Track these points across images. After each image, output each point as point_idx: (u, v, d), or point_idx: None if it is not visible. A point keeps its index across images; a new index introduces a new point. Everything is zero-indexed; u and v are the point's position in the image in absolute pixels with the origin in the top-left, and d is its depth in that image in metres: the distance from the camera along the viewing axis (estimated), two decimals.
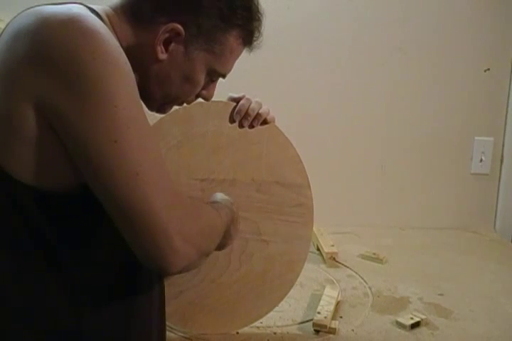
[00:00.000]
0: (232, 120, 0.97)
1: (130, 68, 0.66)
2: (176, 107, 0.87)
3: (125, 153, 0.62)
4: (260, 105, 0.97)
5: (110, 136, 0.61)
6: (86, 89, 0.61)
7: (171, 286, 0.90)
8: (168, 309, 0.89)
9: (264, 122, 0.98)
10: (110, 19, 0.73)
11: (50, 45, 0.61)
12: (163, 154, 0.71)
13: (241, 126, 0.97)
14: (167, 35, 0.74)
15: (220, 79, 0.85)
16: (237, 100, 0.96)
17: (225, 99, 0.98)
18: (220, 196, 0.93)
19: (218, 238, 0.82)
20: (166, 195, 0.65)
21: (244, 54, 0.84)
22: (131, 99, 0.64)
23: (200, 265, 0.75)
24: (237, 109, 0.96)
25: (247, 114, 0.96)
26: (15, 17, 0.68)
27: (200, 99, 0.87)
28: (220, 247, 0.90)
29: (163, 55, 0.75)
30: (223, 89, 0.91)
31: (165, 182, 0.66)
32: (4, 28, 0.68)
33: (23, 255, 0.67)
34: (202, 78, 0.80)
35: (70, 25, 0.62)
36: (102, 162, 0.62)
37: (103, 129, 0.61)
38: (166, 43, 0.75)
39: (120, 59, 0.64)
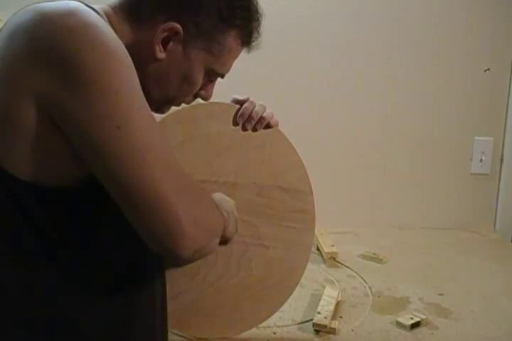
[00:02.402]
0: (235, 123, 0.96)
1: (129, 59, 0.66)
2: (174, 108, 0.87)
3: (129, 138, 0.62)
4: (264, 108, 0.96)
5: (113, 122, 0.62)
6: (86, 78, 0.61)
7: (169, 288, 0.89)
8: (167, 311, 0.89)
9: (268, 126, 0.97)
10: (109, 18, 0.73)
11: (48, 39, 0.61)
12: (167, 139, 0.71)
13: (244, 129, 0.96)
14: (165, 34, 0.74)
15: (222, 80, 0.85)
16: (241, 102, 0.96)
17: (227, 100, 0.97)
18: (218, 196, 0.92)
19: (222, 224, 0.81)
20: (173, 177, 0.65)
21: (245, 54, 0.84)
22: (132, 85, 0.64)
23: (209, 253, 0.74)
24: (240, 111, 0.95)
25: (250, 117, 0.95)
26: (13, 14, 0.68)
27: (200, 100, 0.87)
28: (225, 239, 0.88)
29: (161, 54, 0.75)
30: (224, 91, 0.91)
31: (171, 164, 0.66)
32: (3, 26, 0.68)
33: (23, 254, 0.67)
34: (200, 78, 0.80)
35: (67, 19, 0.62)
36: (107, 148, 0.62)
37: (105, 116, 0.62)
38: (165, 42, 0.75)
39: (119, 50, 0.64)
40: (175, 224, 0.64)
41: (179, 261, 0.82)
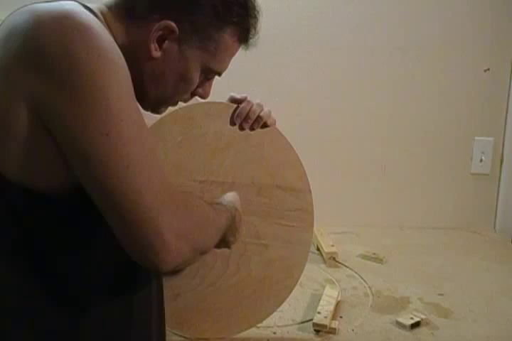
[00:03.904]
0: (232, 122, 0.95)
1: (124, 63, 0.65)
2: (171, 108, 0.87)
3: (116, 145, 0.62)
4: (261, 107, 0.96)
5: (102, 128, 0.61)
6: (78, 83, 0.60)
7: (168, 289, 0.89)
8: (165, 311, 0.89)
9: (265, 125, 0.97)
10: (105, 17, 0.73)
11: (42, 42, 0.61)
12: (157, 148, 0.70)
13: (241, 128, 0.96)
14: (160, 32, 0.73)
15: (220, 79, 0.84)
16: (238, 101, 0.95)
17: (226, 99, 0.97)
18: (227, 197, 0.92)
19: (216, 235, 0.80)
20: (157, 188, 0.64)
21: (245, 55, 0.83)
22: (124, 92, 0.64)
23: (194, 262, 0.73)
24: (237, 111, 0.95)
25: (247, 117, 0.95)
26: (9, 15, 0.68)
27: (200, 100, 0.87)
28: (222, 245, 0.88)
29: (156, 53, 0.74)
30: (222, 89, 0.91)
31: (157, 175, 0.65)
32: None
33: (22, 255, 0.67)
34: (196, 76, 0.79)
35: (62, 21, 0.62)
36: (94, 155, 0.61)
37: (95, 122, 0.61)
38: (160, 41, 0.74)
39: (114, 53, 0.64)
40: (156, 237, 0.63)
41: (160, 273, 0.81)
